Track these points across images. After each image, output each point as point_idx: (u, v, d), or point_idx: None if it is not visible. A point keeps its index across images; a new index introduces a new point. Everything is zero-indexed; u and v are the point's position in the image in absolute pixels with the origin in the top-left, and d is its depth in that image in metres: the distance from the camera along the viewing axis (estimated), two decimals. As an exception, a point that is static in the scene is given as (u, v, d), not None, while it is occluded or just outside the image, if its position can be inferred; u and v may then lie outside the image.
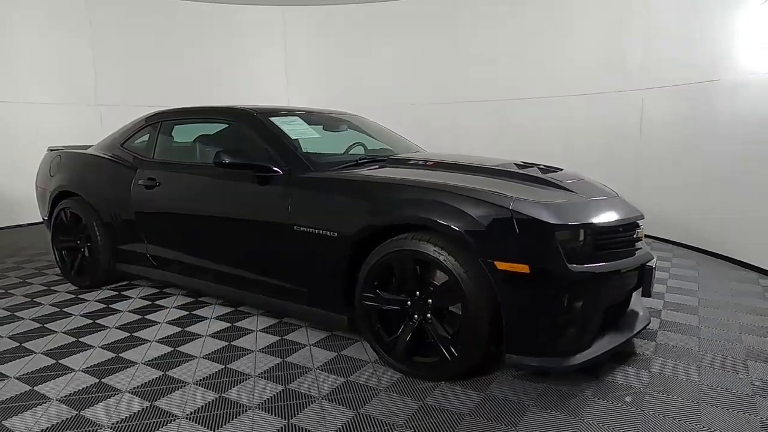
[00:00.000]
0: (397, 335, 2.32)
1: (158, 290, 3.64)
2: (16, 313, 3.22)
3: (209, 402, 2.13)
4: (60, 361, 2.53)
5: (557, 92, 5.98)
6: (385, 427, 1.93)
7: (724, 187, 4.25)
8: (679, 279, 3.80)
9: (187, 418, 2.01)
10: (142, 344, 2.73)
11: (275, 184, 2.69)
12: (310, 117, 3.36)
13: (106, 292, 3.61)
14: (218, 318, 3.08)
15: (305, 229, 2.53)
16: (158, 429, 1.94)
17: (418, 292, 2.28)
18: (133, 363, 2.50)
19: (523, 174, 2.62)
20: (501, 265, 2.04)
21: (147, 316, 3.14)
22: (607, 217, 2.31)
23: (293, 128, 3.00)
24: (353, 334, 2.76)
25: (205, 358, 2.54)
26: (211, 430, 1.93)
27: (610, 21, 5.49)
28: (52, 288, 3.75)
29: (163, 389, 2.24)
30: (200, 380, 2.32)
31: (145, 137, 3.53)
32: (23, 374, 2.40)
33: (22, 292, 3.66)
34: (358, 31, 7.25)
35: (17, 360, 2.55)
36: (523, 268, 2.02)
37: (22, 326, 3.00)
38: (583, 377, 2.28)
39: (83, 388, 2.25)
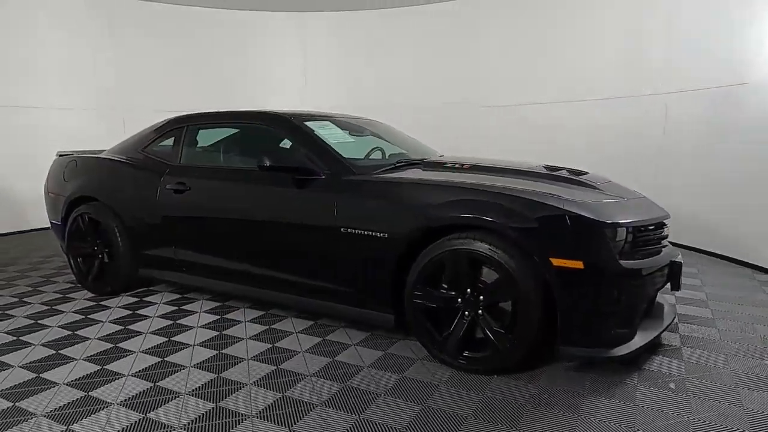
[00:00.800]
0: (450, 332, 2.40)
1: (180, 295, 3.61)
2: (39, 321, 3.15)
3: (274, 401, 2.16)
4: (105, 367, 2.51)
5: (574, 96, 5.95)
6: (456, 420, 2.00)
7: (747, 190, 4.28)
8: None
9: (257, 417, 2.04)
10: (184, 348, 2.72)
11: (318, 187, 2.75)
12: (336, 122, 3.42)
13: (127, 299, 3.56)
14: (253, 321, 3.10)
15: (353, 230, 2.59)
16: (231, 429, 1.97)
17: (468, 290, 2.37)
18: (183, 366, 2.50)
19: (558, 176, 2.75)
20: (556, 262, 2.16)
21: (179, 321, 3.12)
22: (643, 215, 2.46)
23: (329, 133, 3.06)
24: (394, 334, 2.83)
25: (254, 360, 2.56)
26: (284, 427, 1.97)
27: (630, 23, 5.41)
28: (67, 296, 3.67)
29: (223, 390, 2.25)
30: (257, 381, 2.34)
31: (169, 141, 3.51)
32: (72, 380, 2.37)
33: (38, 300, 3.57)
34: (373, 36, 7.26)
35: (60, 367, 2.51)
36: (578, 264, 2.14)
37: (51, 334, 2.94)
38: (624, 368, 2.42)
39: (141, 392, 2.25)
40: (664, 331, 2.56)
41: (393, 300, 2.59)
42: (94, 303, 3.49)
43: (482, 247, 2.27)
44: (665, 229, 2.64)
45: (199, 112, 3.50)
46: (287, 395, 2.21)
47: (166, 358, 2.60)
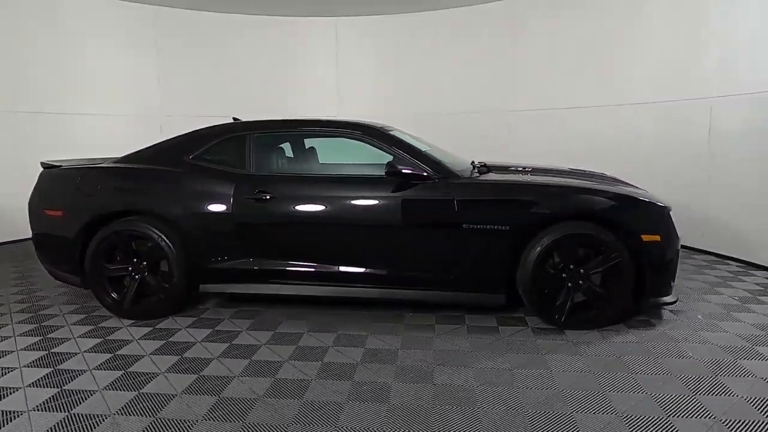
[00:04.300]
0: (562, 301, 3.03)
1: (236, 309, 3.49)
2: (118, 353, 2.81)
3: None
4: (277, 377, 2.50)
5: (614, 101, 5.71)
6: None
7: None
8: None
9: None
10: (346, 360, 2.81)
11: (433, 190, 3.09)
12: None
13: (185, 320, 3.30)
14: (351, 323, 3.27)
15: (476, 226, 3.03)
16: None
17: (572, 265, 3.04)
18: (351, 362, 2.64)
19: (603, 176, 3.62)
20: (645, 237, 2.97)
21: (278, 331, 3.11)
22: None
23: (412, 141, 3.40)
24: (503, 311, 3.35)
25: (405, 349, 2.83)
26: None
27: (677, 25, 5.11)
28: (100, 326, 3.23)
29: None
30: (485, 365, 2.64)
31: (224, 149, 3.38)
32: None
33: (82, 332, 3.09)
34: (407, 39, 7.20)
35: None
36: (657, 238, 2.99)
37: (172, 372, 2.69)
38: (657, 311, 3.36)
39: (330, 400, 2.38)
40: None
41: (504, 282, 3.11)
42: (150, 328, 3.18)
43: (593, 229, 2.96)
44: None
45: (265, 119, 3.45)
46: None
47: (325, 361, 2.68)
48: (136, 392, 2.38)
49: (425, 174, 3.10)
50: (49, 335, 3.09)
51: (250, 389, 2.39)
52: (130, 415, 2.19)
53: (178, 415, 2.19)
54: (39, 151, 4.94)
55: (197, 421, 2.13)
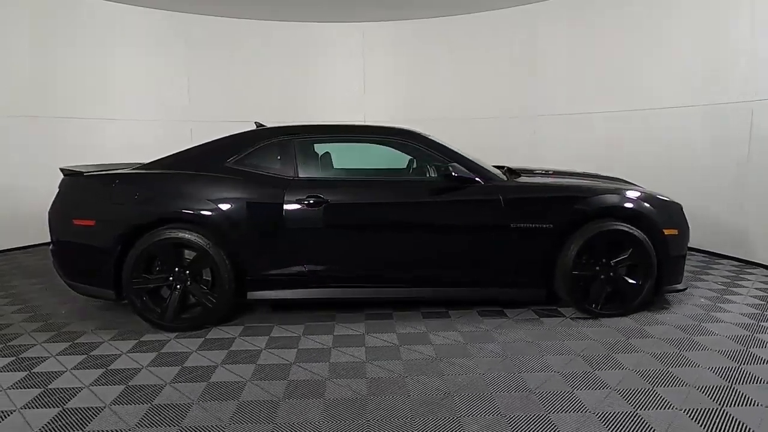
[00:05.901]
0: (597, 292, 3.33)
1: (279, 315, 3.46)
2: (186, 365, 2.71)
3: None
4: (368, 377, 2.55)
5: (641, 105, 5.59)
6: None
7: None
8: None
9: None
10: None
11: (481, 192, 3.28)
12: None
13: (232, 329, 3.23)
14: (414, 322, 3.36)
15: (522, 225, 3.25)
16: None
17: (604, 259, 3.35)
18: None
19: (618, 178, 4.02)
20: (666, 231, 3.35)
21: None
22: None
23: (455, 148, 3.56)
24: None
25: (472, 343, 2.98)
26: (586, 372, 2.60)
27: (707, 27, 4.97)
28: (143, 339, 3.07)
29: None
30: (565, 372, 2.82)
31: (269, 154, 3.35)
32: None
33: (129, 347, 2.92)
34: (428, 45, 7.26)
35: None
36: (674, 232, 3.39)
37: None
38: (663, 297, 3.77)
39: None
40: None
41: (545, 277, 3.36)
42: (201, 338, 3.08)
43: (626, 226, 3.28)
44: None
45: (310, 124, 3.46)
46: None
47: (404, 359, 2.77)
48: (236, 401, 2.34)
49: (475, 178, 3.29)
50: (93, 353, 2.90)
51: (351, 390, 2.43)
52: (245, 423, 2.16)
53: (293, 419, 2.19)
54: (68, 156, 4.92)
55: (315, 423, 2.15)
